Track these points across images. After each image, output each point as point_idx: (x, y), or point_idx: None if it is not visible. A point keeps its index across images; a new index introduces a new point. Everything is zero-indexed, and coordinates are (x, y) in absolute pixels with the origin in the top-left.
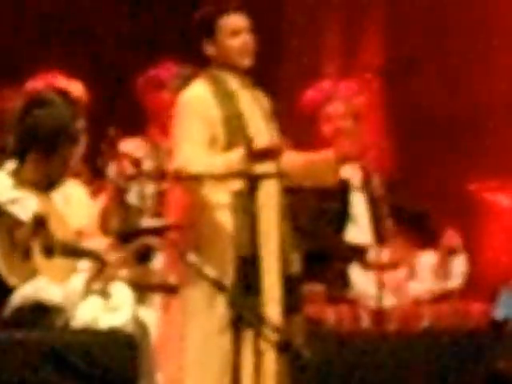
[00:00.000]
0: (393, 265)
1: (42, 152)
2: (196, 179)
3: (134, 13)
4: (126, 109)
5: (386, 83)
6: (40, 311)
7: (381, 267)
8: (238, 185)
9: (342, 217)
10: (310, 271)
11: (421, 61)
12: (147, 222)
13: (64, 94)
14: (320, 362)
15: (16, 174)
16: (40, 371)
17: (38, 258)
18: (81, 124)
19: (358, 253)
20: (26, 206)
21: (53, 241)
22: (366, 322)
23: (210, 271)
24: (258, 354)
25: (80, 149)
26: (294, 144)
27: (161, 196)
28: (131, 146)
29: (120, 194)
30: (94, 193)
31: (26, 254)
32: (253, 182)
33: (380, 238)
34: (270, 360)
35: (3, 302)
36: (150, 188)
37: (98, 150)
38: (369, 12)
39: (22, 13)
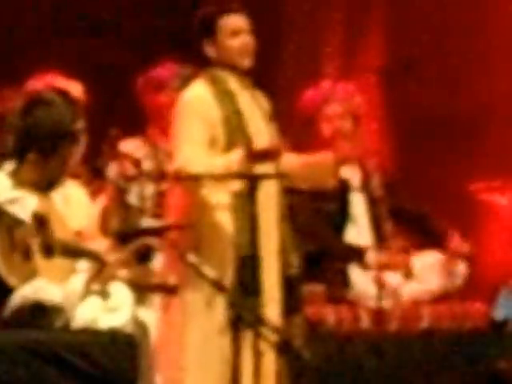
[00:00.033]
0: (388, 267)
1: (41, 152)
2: (196, 180)
3: (134, 13)
4: (125, 109)
5: (386, 83)
6: (39, 311)
7: (379, 268)
8: (237, 185)
9: (342, 217)
10: (310, 272)
11: (421, 61)
12: (147, 222)
13: (64, 94)
14: (320, 363)
15: (15, 175)
16: (39, 371)
17: (38, 258)
18: (81, 124)
19: (356, 254)
20: (25, 205)
21: (52, 241)
22: (365, 322)
23: (209, 272)
24: (258, 355)
25: (80, 149)
26: (293, 144)
27: (160, 196)
28: (131, 146)
29: (120, 194)
30: (94, 193)
31: (26, 255)
32: (252, 183)
33: (379, 238)
34: (270, 361)
35: (3, 302)
36: (150, 188)
37: (98, 151)
38: (369, 12)
39: (22, 13)
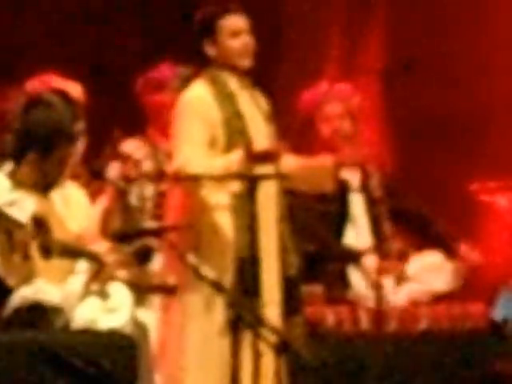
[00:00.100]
0: (381, 272)
1: (40, 152)
2: (195, 180)
3: (134, 13)
4: (125, 110)
5: (386, 83)
6: (39, 312)
7: (373, 272)
8: (237, 186)
9: (341, 218)
10: (310, 272)
11: (421, 61)
12: (148, 223)
13: (63, 94)
14: (319, 363)
15: (14, 175)
16: (38, 372)
17: (37, 258)
18: (80, 125)
19: (353, 256)
20: (24, 207)
21: (51, 242)
22: (365, 323)
23: (209, 272)
24: (257, 355)
25: (79, 150)
26: (292, 145)
27: (160, 197)
28: (131, 146)
29: (121, 195)
30: (93, 194)
31: (25, 255)
32: (252, 183)
33: (379, 239)
34: (270, 361)
35: (2, 302)
36: (150, 189)
37: (98, 152)
38: (369, 12)
39: (22, 13)
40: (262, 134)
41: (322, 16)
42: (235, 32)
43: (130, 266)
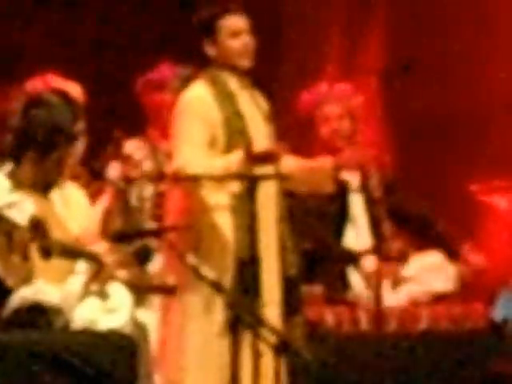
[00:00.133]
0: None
1: (39, 152)
2: (195, 180)
3: (134, 13)
4: (125, 110)
5: (385, 83)
6: (38, 312)
7: (369, 276)
8: (237, 186)
9: (341, 218)
10: (309, 273)
11: (421, 61)
12: (147, 224)
13: (63, 94)
14: (319, 364)
15: (14, 175)
16: (38, 372)
17: (36, 259)
18: (80, 125)
19: (351, 257)
20: (22, 209)
21: (51, 242)
22: (364, 323)
23: (208, 273)
24: (257, 356)
25: (79, 150)
26: (292, 145)
27: (160, 197)
28: (131, 147)
29: (122, 195)
30: (93, 195)
31: (25, 256)
32: (252, 184)
33: (379, 239)
34: (269, 361)
35: (1, 303)
36: (149, 189)
37: (98, 152)
38: (369, 12)
39: (23, 13)
40: (261, 134)
41: (322, 16)
42: (235, 32)
43: (129, 266)
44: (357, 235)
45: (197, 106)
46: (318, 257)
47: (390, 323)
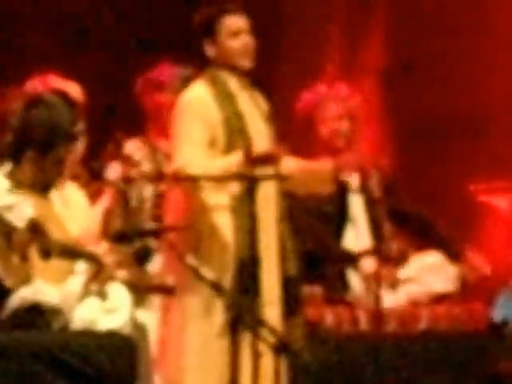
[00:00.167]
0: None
1: (38, 152)
2: (195, 181)
3: (134, 13)
4: (125, 110)
5: (386, 83)
6: (37, 313)
7: (366, 278)
8: (237, 188)
9: (341, 219)
10: (309, 273)
11: (421, 61)
12: (147, 224)
13: (63, 95)
14: (319, 364)
15: (13, 175)
16: (37, 373)
17: (36, 259)
18: (80, 126)
19: (350, 258)
20: (21, 212)
21: (50, 243)
22: (364, 323)
23: (208, 273)
24: (257, 356)
25: (79, 150)
26: (291, 145)
27: (159, 198)
28: (130, 147)
29: (122, 195)
30: (92, 195)
31: (24, 256)
32: (251, 184)
33: (378, 239)
34: (269, 362)
35: (1, 303)
36: (149, 190)
37: (98, 152)
38: (369, 12)
39: (23, 13)
40: (261, 135)
41: (322, 16)
42: (235, 32)
43: (129, 266)
44: (356, 236)
45: (197, 106)
46: (318, 257)
47: (390, 323)
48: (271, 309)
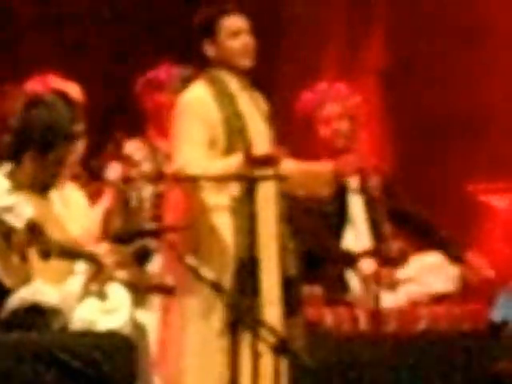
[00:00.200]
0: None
1: (38, 152)
2: (194, 181)
3: (134, 13)
4: (125, 110)
5: (386, 83)
6: (37, 313)
7: (365, 279)
8: (236, 189)
9: (340, 219)
10: (309, 273)
11: (421, 61)
12: (147, 224)
13: (63, 95)
14: (318, 364)
15: (13, 175)
16: (36, 373)
17: (35, 260)
18: (80, 126)
19: (349, 259)
20: (20, 213)
21: (50, 243)
22: (364, 324)
23: (208, 273)
24: (257, 356)
25: (79, 151)
26: (292, 145)
27: (159, 198)
28: (130, 148)
29: (123, 196)
30: (92, 195)
31: (23, 256)
32: (251, 185)
33: (378, 240)
34: (269, 362)
35: (0, 304)
36: (148, 190)
37: (98, 152)
38: (369, 12)
39: (23, 14)
40: (261, 135)
41: (322, 16)
42: (235, 32)
43: (129, 266)
44: (356, 236)
45: (197, 106)
46: (318, 257)
47: (390, 323)
48: (271, 309)
